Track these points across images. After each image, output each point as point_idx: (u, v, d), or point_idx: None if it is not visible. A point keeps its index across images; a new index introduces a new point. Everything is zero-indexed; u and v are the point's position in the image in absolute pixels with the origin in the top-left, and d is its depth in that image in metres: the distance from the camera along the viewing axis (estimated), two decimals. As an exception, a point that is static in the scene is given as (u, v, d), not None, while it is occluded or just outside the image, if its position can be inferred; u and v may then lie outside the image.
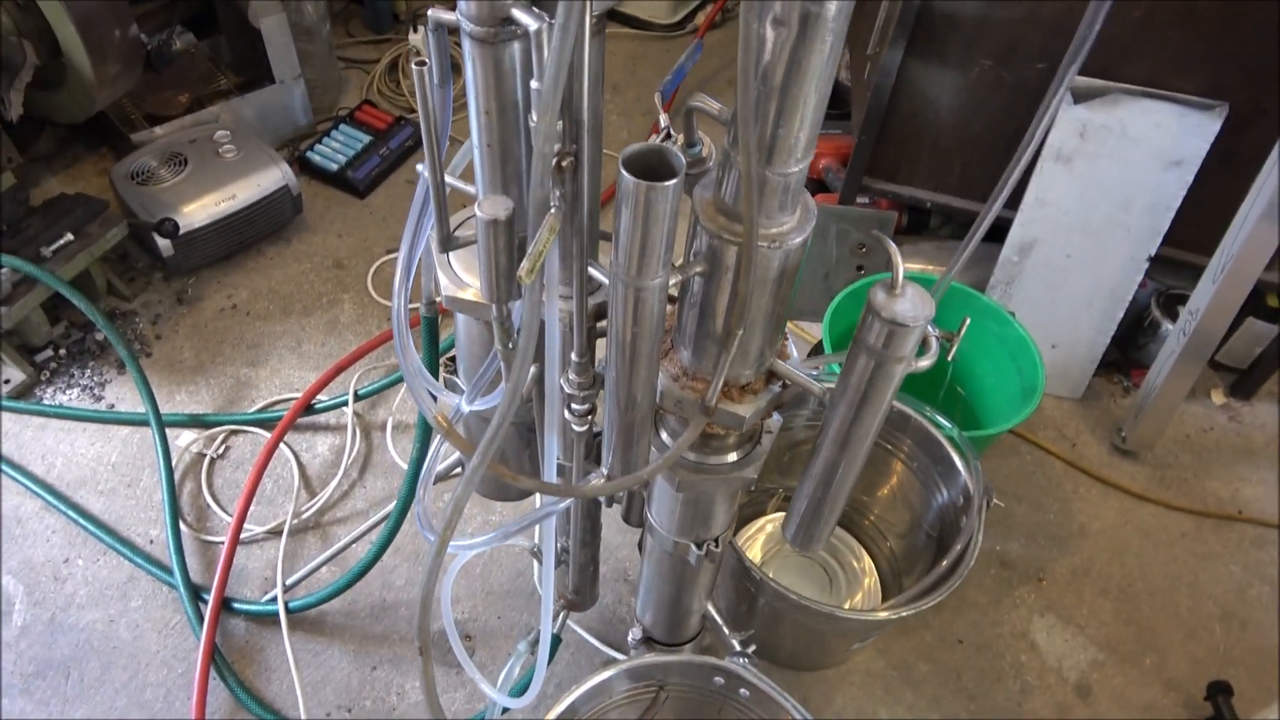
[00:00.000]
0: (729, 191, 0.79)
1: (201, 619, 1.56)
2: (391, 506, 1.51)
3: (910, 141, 1.94)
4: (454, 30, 0.73)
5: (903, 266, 0.80)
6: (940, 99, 1.84)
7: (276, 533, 1.72)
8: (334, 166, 2.39)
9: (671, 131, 0.92)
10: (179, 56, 2.31)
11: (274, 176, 2.15)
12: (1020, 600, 1.76)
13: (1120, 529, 1.90)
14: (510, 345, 0.90)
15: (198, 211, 2.05)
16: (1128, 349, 2.11)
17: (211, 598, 1.57)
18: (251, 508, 1.71)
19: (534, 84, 0.68)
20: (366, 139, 2.46)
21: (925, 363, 0.83)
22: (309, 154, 2.42)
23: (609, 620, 1.67)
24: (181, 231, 2.02)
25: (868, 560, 1.70)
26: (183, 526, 1.71)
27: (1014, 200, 1.91)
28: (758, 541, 1.74)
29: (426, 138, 0.75)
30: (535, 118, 0.71)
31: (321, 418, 1.91)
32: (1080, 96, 1.72)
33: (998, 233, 2.05)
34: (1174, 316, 2.03)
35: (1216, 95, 1.67)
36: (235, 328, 2.07)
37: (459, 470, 1.70)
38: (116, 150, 2.34)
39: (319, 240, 2.28)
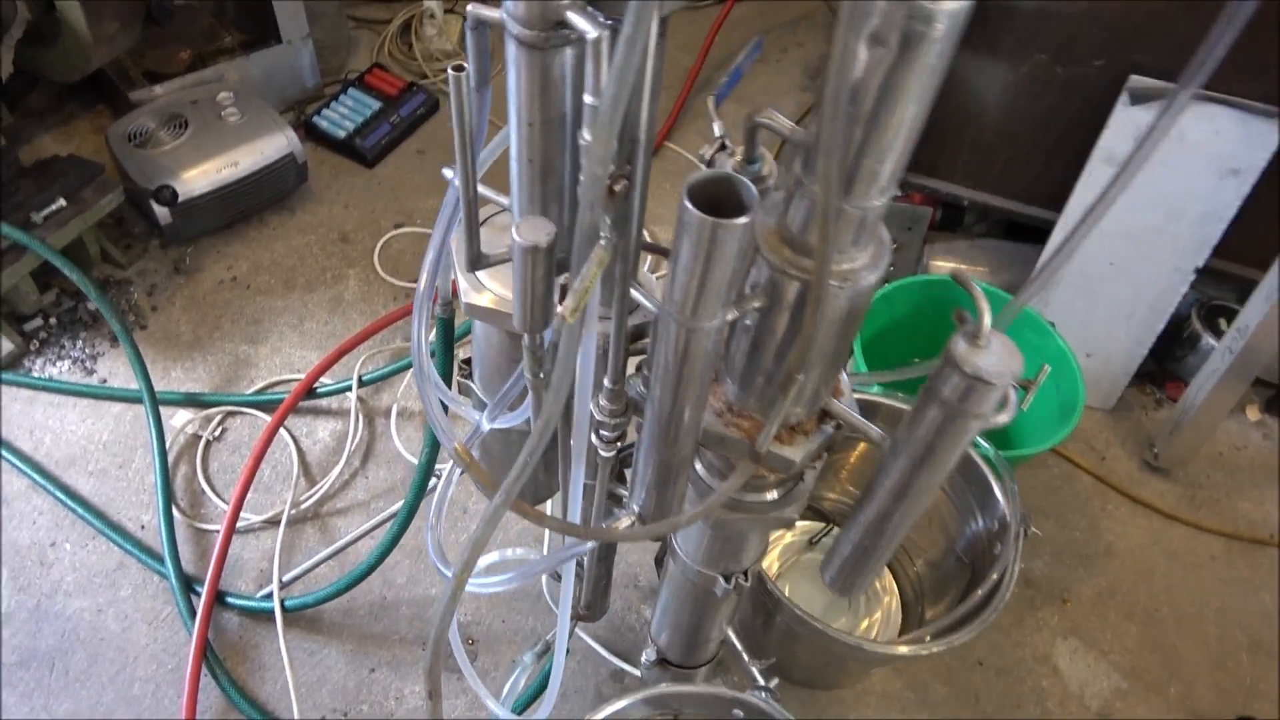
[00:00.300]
0: (796, 220, 0.70)
1: (194, 612, 1.49)
2: (397, 506, 1.44)
3: (951, 135, 1.84)
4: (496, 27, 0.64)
5: (989, 314, 0.72)
6: (987, 92, 1.74)
7: (274, 522, 1.64)
8: (341, 133, 2.28)
9: (727, 142, 0.83)
10: (180, 11, 2.20)
11: (279, 143, 2.05)
12: (1043, 622, 1.70)
13: (1148, 549, 1.83)
14: (541, 374, 0.82)
15: (198, 178, 1.96)
16: (1164, 360, 2.03)
17: (205, 591, 1.50)
18: (248, 495, 1.63)
19: (589, 99, 0.60)
20: (376, 105, 2.35)
21: (1004, 418, 0.75)
22: (315, 119, 2.31)
23: (617, 628, 1.61)
24: (180, 199, 1.92)
25: (889, 579, 1.63)
26: (176, 513, 1.63)
27: (1057, 202, 1.82)
28: (775, 549, 1.67)
29: (460, 147, 0.66)
30: (587, 136, 0.62)
31: (323, 402, 1.83)
32: (1137, 98, 1.62)
33: (1036, 234, 1.96)
34: (1214, 329, 1.95)
35: (1282, 103, 1.57)
36: (235, 301, 1.98)
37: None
38: (114, 108, 2.23)
39: (324, 211, 2.18)
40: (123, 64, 2.18)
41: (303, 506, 1.67)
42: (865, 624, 1.61)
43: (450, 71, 0.61)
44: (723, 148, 0.83)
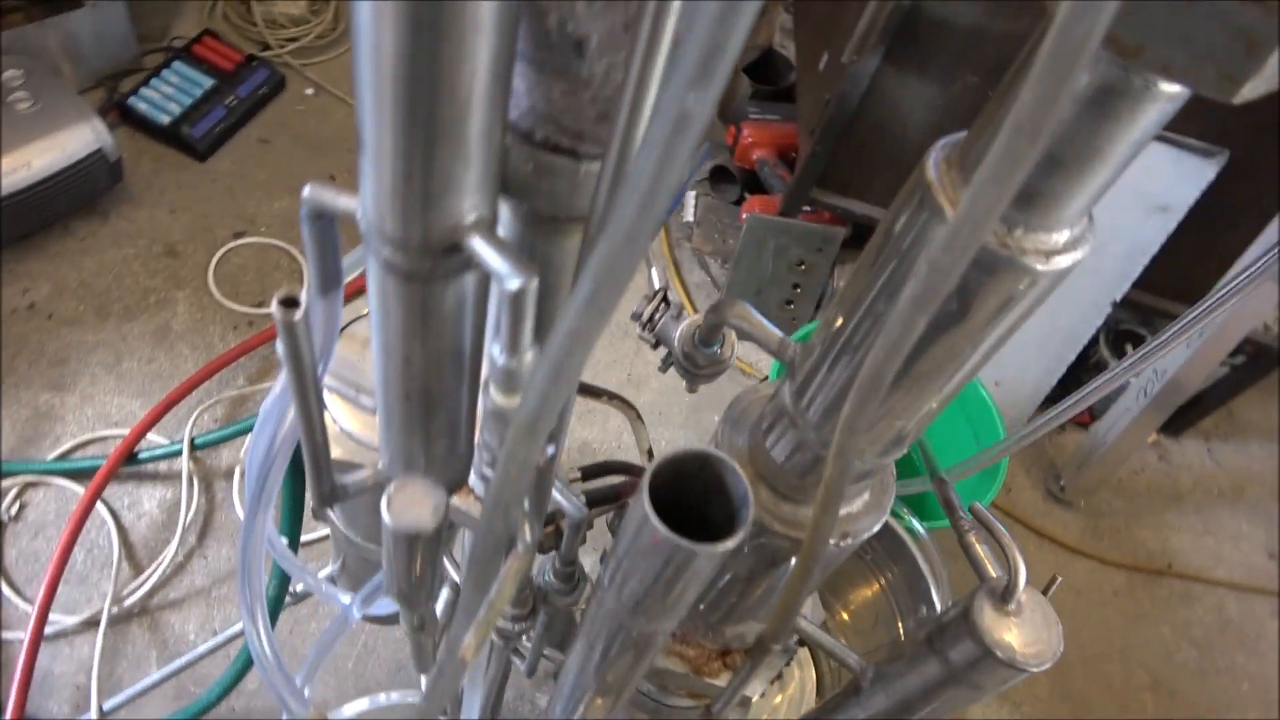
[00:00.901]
0: (780, 452, 0.52)
1: (-14, 754, 1.22)
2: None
3: (868, 154, 1.68)
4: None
5: (1023, 568, 0.56)
6: (912, 112, 1.58)
7: (92, 624, 1.37)
8: (165, 119, 1.92)
9: (669, 297, 0.64)
10: (-51, -38, 1.78)
11: (84, 137, 1.69)
12: (956, 675, 1.63)
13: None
14: (424, 628, 0.61)
15: (-23, 183, 1.59)
16: (1069, 386, 1.97)
17: (0, 724, 1.23)
18: (58, 590, 1.35)
19: (502, 359, 0.39)
20: (208, 83, 1.99)
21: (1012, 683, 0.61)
22: (132, 100, 1.94)
23: (508, 723, 1.43)
24: (-45, 210, 1.56)
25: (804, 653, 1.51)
26: (-39, 620, 1.34)
27: (977, 230, 1.69)
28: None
29: (297, 389, 0.44)
30: (503, 404, 0.41)
31: (149, 464, 1.53)
32: (1072, 129, 1.50)
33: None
34: (1121, 355, 1.91)
35: (1218, 141, 1.48)
36: (33, 336, 1.64)
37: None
38: None
39: (145, 216, 1.84)
40: (-127, 28, 1.75)
41: (128, 602, 1.40)
42: (779, 699, 1.48)
43: (275, 308, 0.39)
44: (665, 302, 0.64)
